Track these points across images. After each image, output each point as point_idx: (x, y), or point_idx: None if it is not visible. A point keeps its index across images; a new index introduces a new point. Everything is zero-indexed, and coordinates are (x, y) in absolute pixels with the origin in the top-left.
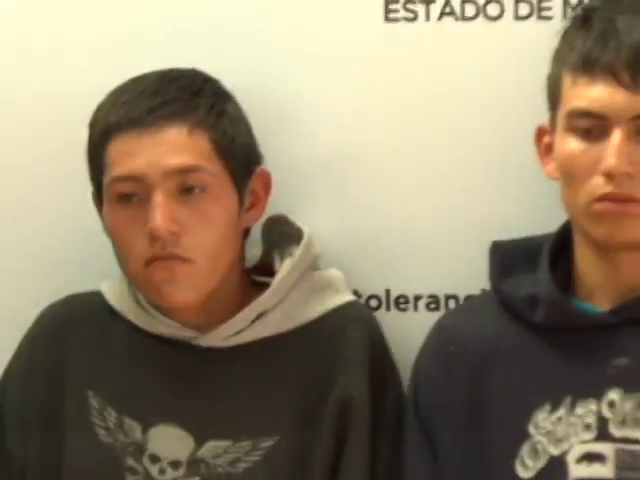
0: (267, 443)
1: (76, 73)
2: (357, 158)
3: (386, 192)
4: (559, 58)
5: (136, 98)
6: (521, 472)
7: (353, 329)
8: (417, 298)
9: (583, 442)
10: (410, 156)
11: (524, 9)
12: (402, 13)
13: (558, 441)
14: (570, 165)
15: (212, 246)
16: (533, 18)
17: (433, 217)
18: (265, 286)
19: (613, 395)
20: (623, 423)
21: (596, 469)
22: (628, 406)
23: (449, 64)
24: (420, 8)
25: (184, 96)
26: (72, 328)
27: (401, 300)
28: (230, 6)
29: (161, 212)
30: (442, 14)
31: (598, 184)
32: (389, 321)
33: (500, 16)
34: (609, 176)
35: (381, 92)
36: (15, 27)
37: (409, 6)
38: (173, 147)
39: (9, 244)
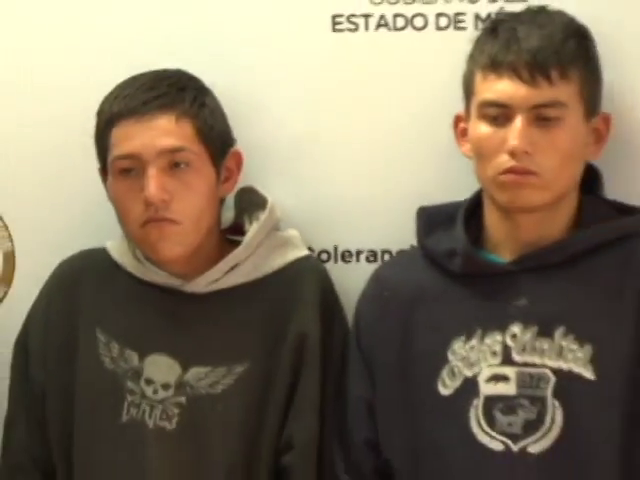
0: (239, 369)
1: (86, 73)
2: (310, 141)
3: (333, 167)
4: (472, 60)
5: (134, 92)
6: (442, 390)
7: (307, 277)
8: (359, 252)
9: (491, 366)
10: (352, 138)
11: (443, 21)
12: (346, 25)
13: (471, 365)
14: (481, 145)
15: (195, 211)
16: (450, 29)
17: (371, 187)
18: (237, 243)
19: (515, 328)
20: (523, 350)
21: (501, 387)
22: (527, 337)
23: (384, 66)
24: (360, 20)
25: (172, 91)
26: (83, 277)
27: (346, 254)
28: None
29: (154, 183)
30: (378, 26)
31: (503, 160)
32: (336, 271)
33: (424, 27)
34: (512, 154)
35: (331, 88)
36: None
37: (352, 19)
38: (163, 132)
39: (44, 212)
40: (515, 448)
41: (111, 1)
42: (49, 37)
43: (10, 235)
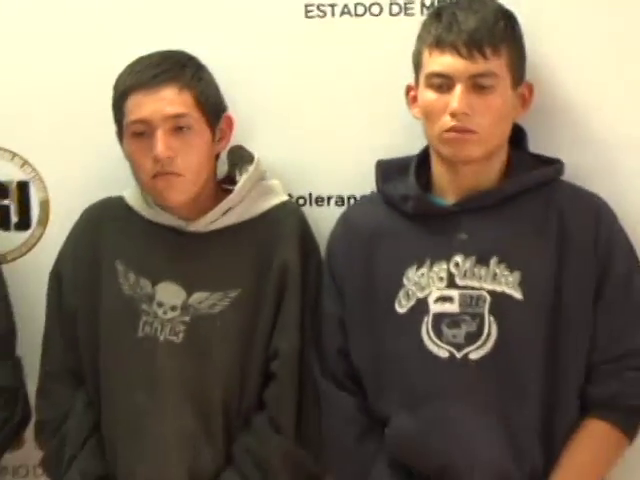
0: (233, 293)
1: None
2: (288, 108)
3: (308, 129)
4: (420, 40)
5: (144, 69)
6: (399, 309)
7: (288, 219)
8: (329, 198)
9: (438, 289)
10: (323, 105)
11: (395, 9)
12: (316, 12)
13: (422, 288)
14: (428, 109)
15: (195, 165)
16: (402, 15)
17: (338, 144)
18: (230, 191)
19: (457, 258)
20: (464, 276)
21: (447, 306)
22: (467, 265)
23: (348, 45)
24: (328, 9)
25: (175, 68)
26: (104, 220)
27: (319, 199)
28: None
29: (162, 143)
30: (342, 13)
31: (447, 120)
32: (311, 213)
33: (380, 13)
34: (453, 115)
35: (304, 65)
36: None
37: (320, 7)
38: (169, 101)
39: (73, 167)
40: (459, 355)
41: None
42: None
43: (45, 186)
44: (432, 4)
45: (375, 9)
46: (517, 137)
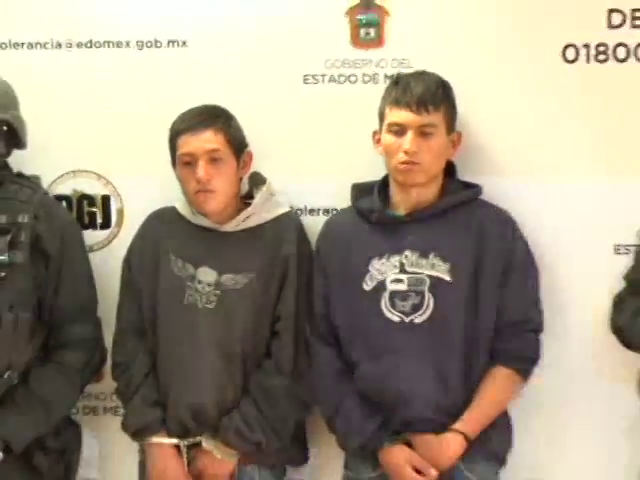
0: (251, 275)
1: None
2: (292, 148)
3: (304, 162)
4: (384, 99)
5: (191, 117)
6: (365, 287)
7: (289, 224)
8: (318, 209)
9: (393, 273)
10: (315, 145)
11: (367, 78)
12: (311, 80)
13: (382, 273)
14: (388, 148)
15: (225, 185)
16: (370, 83)
17: (322, 172)
18: (250, 204)
19: (407, 253)
20: (411, 265)
21: (399, 286)
22: (413, 258)
23: (334, 105)
24: (320, 77)
25: (212, 117)
26: (161, 223)
27: (311, 210)
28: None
29: (202, 170)
30: (330, 80)
31: (401, 156)
32: (306, 220)
33: (355, 82)
34: (405, 153)
35: (301, 118)
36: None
37: (314, 77)
38: (207, 140)
39: (142, 184)
40: (407, 320)
41: None
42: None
43: (121, 198)
44: (392, 75)
45: (352, 79)
46: (449, 169)
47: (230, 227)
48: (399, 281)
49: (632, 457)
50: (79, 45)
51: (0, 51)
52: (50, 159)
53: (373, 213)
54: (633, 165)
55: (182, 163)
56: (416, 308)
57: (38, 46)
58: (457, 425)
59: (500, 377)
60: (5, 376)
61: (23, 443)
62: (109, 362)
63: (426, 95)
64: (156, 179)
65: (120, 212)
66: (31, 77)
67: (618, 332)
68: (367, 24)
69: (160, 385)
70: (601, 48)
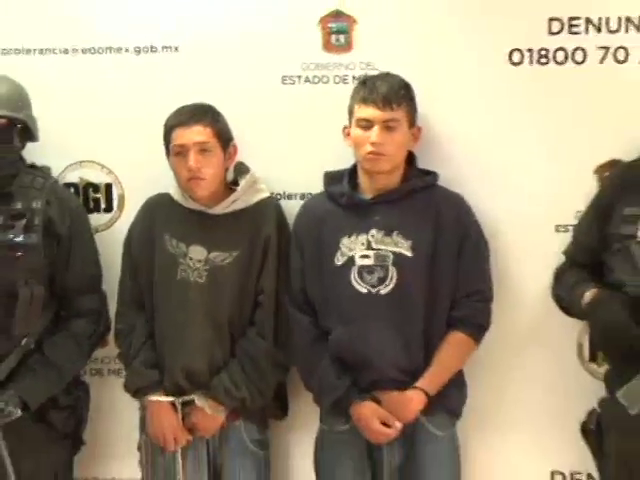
0: (235, 253)
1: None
2: (272, 140)
3: (282, 152)
4: (353, 98)
5: (183, 113)
6: (336, 262)
7: (270, 207)
8: (295, 195)
9: (361, 250)
10: (294, 138)
11: (338, 79)
12: (289, 80)
13: (351, 250)
14: (357, 140)
15: (213, 173)
16: (341, 84)
17: (299, 161)
18: (235, 190)
19: (373, 231)
20: (377, 243)
21: (366, 261)
22: (379, 236)
23: (311, 103)
24: (296, 78)
25: (202, 113)
26: (157, 207)
27: (289, 195)
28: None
29: (193, 159)
30: (305, 81)
31: (368, 147)
32: (285, 204)
33: (327, 82)
34: (372, 144)
35: (281, 112)
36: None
37: (291, 77)
38: (197, 133)
39: (141, 172)
40: (373, 291)
41: None
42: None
43: (122, 186)
44: (360, 77)
45: (325, 80)
46: (410, 158)
47: (218, 210)
48: (366, 257)
49: (570, 411)
50: (83, 51)
51: (14, 56)
52: (59, 151)
53: (343, 197)
54: (571, 155)
55: (175, 154)
56: (381, 281)
57: (48, 52)
58: (418, 383)
59: (455, 341)
60: (23, 343)
61: (38, 402)
62: (112, 330)
63: (390, 94)
64: (152, 169)
65: (121, 198)
66: (42, 79)
67: (558, 300)
68: (337, 31)
69: (157, 350)
70: (543, 52)
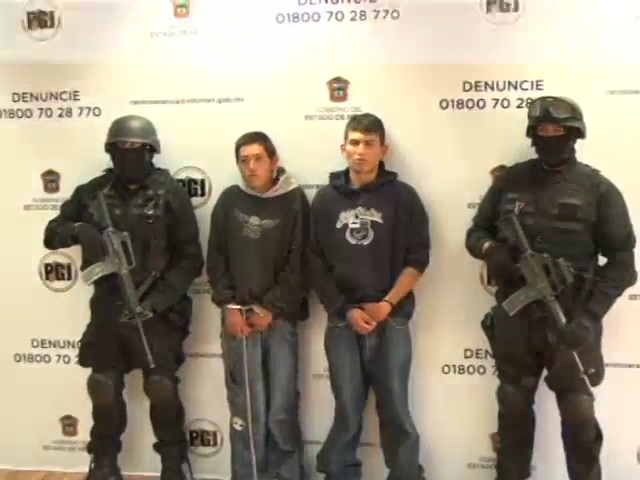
0: (278, 220)
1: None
2: (299, 150)
3: (306, 158)
4: (347, 127)
5: (246, 137)
6: (337, 226)
7: (298, 193)
8: (313, 185)
9: (352, 219)
10: (305, 144)
11: (338, 117)
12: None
13: (346, 219)
14: (349, 153)
15: (263, 173)
16: (333, 119)
17: (316, 166)
18: (277, 183)
19: (359, 208)
20: (361, 214)
21: (355, 225)
22: (362, 211)
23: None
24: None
25: (257, 136)
26: (230, 193)
27: (310, 186)
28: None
29: (252, 165)
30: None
31: (356, 157)
32: (307, 192)
33: (329, 118)
34: (359, 155)
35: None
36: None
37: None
38: (255, 149)
39: (220, 168)
40: (359, 243)
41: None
42: None
43: (210, 181)
44: (351, 115)
45: (330, 117)
46: (381, 164)
47: (267, 195)
48: (355, 223)
49: (476, 313)
50: (189, 101)
51: (141, 105)
52: (174, 160)
53: (341, 187)
54: (476, 162)
55: (241, 161)
56: (364, 237)
57: (166, 102)
58: (386, 297)
59: (408, 272)
60: (153, 273)
61: (162, 308)
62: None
63: (369, 125)
64: (228, 170)
65: (210, 188)
66: (162, 118)
67: (468, 248)
68: (338, 89)
69: (231, 278)
70: (459, 101)
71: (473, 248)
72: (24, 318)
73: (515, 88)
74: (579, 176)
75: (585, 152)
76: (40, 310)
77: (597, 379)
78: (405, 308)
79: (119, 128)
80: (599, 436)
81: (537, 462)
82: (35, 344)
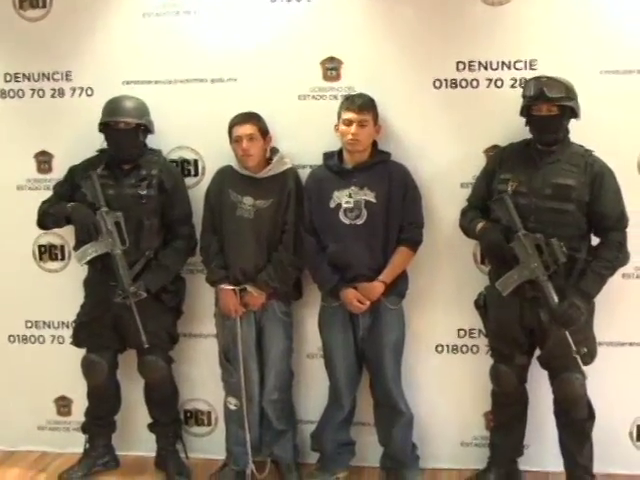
0: (271, 200)
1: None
2: (293, 132)
3: (297, 137)
4: (340, 107)
5: (239, 117)
6: (331, 205)
7: (291, 173)
8: (307, 165)
9: (345, 198)
10: (302, 125)
11: (330, 96)
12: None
13: (339, 198)
14: (343, 133)
15: (257, 152)
16: (327, 99)
17: (311, 145)
18: (271, 162)
19: (352, 187)
20: (355, 194)
21: (348, 205)
22: (356, 190)
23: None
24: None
25: (250, 116)
26: (224, 173)
27: (303, 166)
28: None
29: (245, 145)
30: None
31: (349, 137)
32: (300, 171)
33: (322, 98)
34: (352, 135)
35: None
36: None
37: None
38: (247, 129)
39: (215, 153)
40: (353, 222)
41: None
42: None
43: (204, 161)
44: (344, 94)
45: (324, 97)
46: (374, 144)
47: (260, 175)
48: (348, 202)
49: (469, 292)
50: (182, 81)
51: (133, 85)
52: (167, 140)
53: (334, 166)
54: (470, 142)
55: (234, 141)
56: (357, 216)
57: (159, 82)
58: (380, 277)
59: (402, 252)
60: (146, 253)
61: (155, 288)
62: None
63: (362, 105)
64: (222, 150)
65: (203, 168)
66: (155, 99)
67: (462, 228)
68: (331, 69)
69: (224, 258)
70: (453, 81)
71: (467, 228)
72: (18, 299)
73: (509, 68)
74: (572, 156)
75: (579, 132)
76: (34, 291)
77: (589, 358)
78: (399, 288)
79: (113, 108)
80: (591, 414)
81: (530, 441)
82: (29, 325)
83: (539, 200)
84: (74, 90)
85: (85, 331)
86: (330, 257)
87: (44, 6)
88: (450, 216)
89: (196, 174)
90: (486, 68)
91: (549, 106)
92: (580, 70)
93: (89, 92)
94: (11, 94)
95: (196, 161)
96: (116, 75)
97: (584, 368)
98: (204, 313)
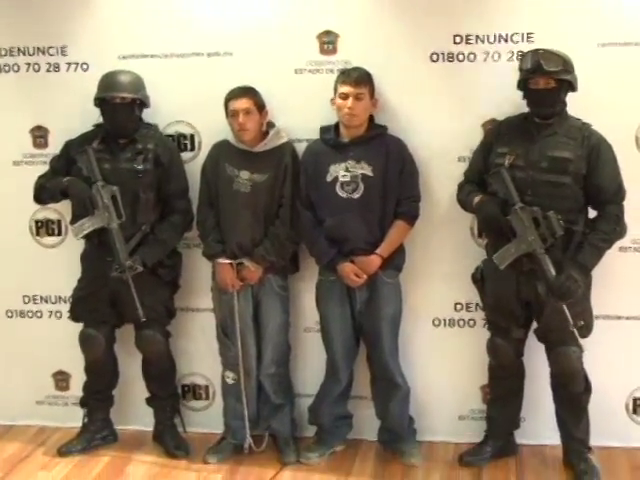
0: (268, 174)
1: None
2: (292, 103)
3: (295, 111)
4: (336, 80)
5: (235, 91)
6: (327, 179)
7: (288, 147)
8: (304, 139)
9: (342, 172)
10: (294, 104)
11: (327, 69)
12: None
13: (336, 172)
14: (339, 106)
15: (253, 127)
16: (323, 72)
17: (304, 118)
18: (267, 137)
19: (349, 161)
20: (352, 167)
21: (345, 179)
22: (352, 163)
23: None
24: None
25: (246, 90)
26: (220, 148)
27: (300, 140)
28: None
29: (241, 119)
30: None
31: (346, 111)
32: (297, 145)
33: (318, 72)
34: (348, 109)
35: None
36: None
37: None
38: (243, 103)
39: (211, 128)
40: (349, 196)
41: None
42: None
43: (200, 136)
44: (341, 68)
45: (320, 70)
46: (371, 117)
47: (257, 149)
48: (345, 176)
49: (466, 266)
50: (178, 56)
51: (130, 59)
52: (163, 114)
53: (331, 140)
54: (469, 115)
55: (231, 115)
56: (354, 190)
57: (154, 57)
58: (377, 251)
59: (399, 226)
60: (143, 228)
61: (152, 262)
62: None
63: (359, 78)
64: (218, 124)
65: (199, 142)
66: (151, 73)
67: (459, 202)
68: (328, 42)
69: (221, 232)
70: (450, 54)
71: (464, 202)
72: (15, 274)
73: (506, 41)
74: (570, 129)
75: (576, 105)
76: (31, 266)
77: (586, 331)
78: (395, 261)
79: (109, 82)
80: (588, 388)
81: (526, 414)
82: (27, 300)
83: (536, 173)
84: (69, 65)
85: (82, 306)
86: (327, 231)
87: None
88: (447, 190)
89: (192, 148)
90: (483, 41)
91: (546, 79)
92: (578, 43)
93: (84, 67)
94: (6, 69)
95: (192, 135)
96: (112, 50)
97: (581, 341)
98: (201, 287)
